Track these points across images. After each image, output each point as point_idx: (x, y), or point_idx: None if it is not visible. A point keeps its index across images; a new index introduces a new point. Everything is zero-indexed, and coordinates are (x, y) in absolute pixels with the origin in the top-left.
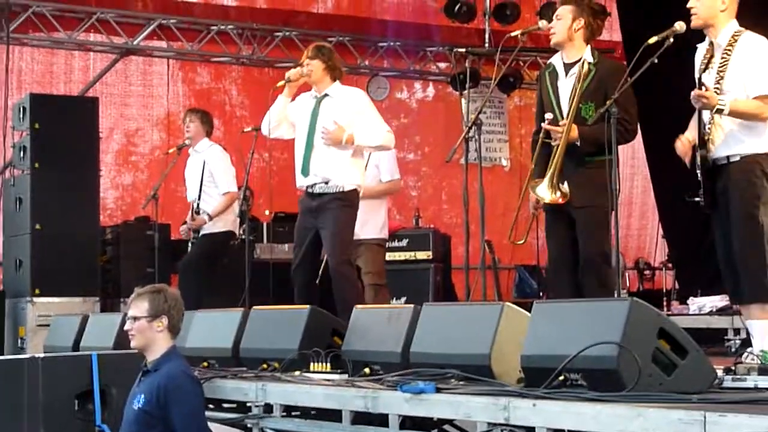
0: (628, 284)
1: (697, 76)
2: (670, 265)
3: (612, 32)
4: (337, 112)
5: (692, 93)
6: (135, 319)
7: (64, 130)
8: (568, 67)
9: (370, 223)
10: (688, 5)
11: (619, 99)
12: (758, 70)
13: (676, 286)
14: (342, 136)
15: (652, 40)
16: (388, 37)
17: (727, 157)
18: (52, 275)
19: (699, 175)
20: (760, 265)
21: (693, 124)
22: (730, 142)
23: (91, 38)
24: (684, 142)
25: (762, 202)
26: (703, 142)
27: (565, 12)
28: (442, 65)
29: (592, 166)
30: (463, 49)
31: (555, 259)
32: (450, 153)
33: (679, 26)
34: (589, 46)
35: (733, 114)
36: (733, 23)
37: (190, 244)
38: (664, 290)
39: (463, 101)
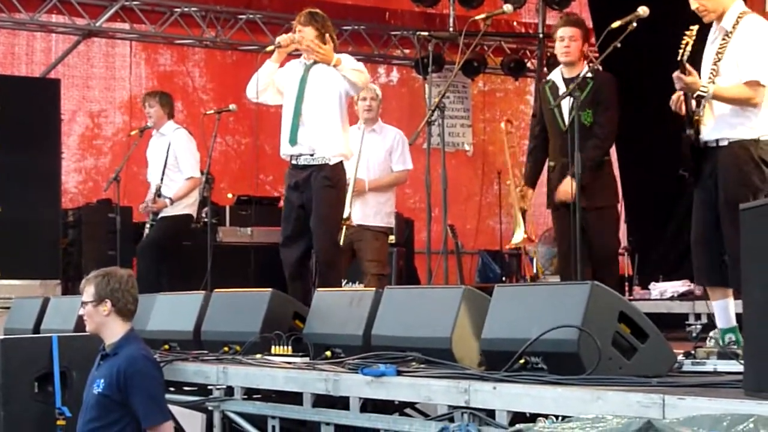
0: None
1: (679, 58)
2: (630, 249)
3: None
4: (327, 79)
5: (674, 74)
6: (83, 304)
7: (26, 111)
8: (567, 82)
9: (380, 211)
10: (693, 8)
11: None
12: (753, 54)
13: (635, 272)
14: (332, 57)
15: (615, 24)
16: (351, 20)
17: (717, 141)
18: (13, 258)
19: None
20: None
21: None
22: (720, 125)
23: (53, 19)
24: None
25: (751, 190)
26: (691, 122)
27: (577, 35)
28: (407, 50)
29: (601, 167)
30: (426, 33)
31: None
32: (413, 136)
33: (642, 11)
34: (585, 61)
35: (717, 99)
36: (739, 4)
37: (147, 227)
38: (626, 275)
39: (427, 86)
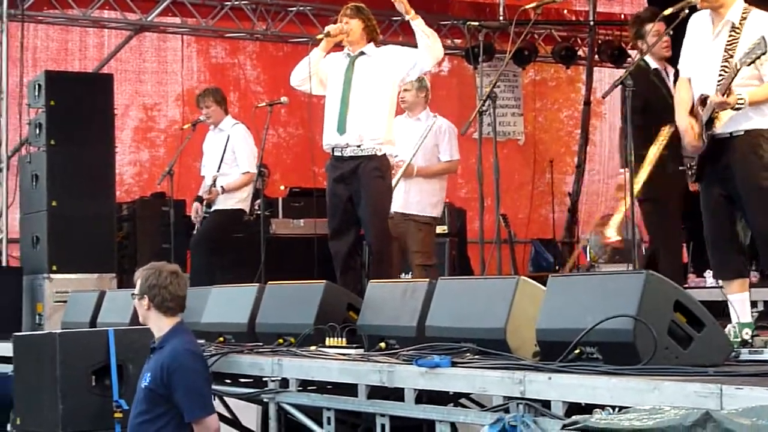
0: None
1: (713, 73)
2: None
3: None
4: (375, 70)
5: (712, 100)
6: (132, 296)
7: (80, 107)
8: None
9: (423, 200)
10: None
11: None
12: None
13: (690, 259)
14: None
15: (668, 11)
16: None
17: (730, 133)
18: (69, 252)
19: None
20: None
21: (682, 94)
22: (738, 119)
23: (105, 15)
24: (690, 129)
25: None
26: (710, 121)
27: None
28: (457, 40)
29: None
30: (477, 23)
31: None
32: (465, 126)
33: None
34: None
35: (752, 104)
36: (741, 0)
37: (199, 220)
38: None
39: (478, 75)
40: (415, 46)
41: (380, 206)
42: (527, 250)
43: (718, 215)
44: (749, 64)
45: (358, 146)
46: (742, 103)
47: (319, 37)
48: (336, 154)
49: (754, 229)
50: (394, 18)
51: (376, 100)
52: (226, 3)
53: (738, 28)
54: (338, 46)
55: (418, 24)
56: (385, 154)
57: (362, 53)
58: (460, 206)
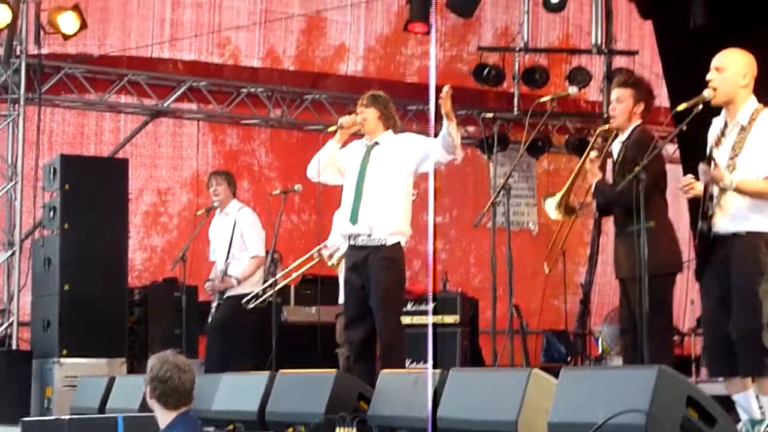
0: None
1: (708, 150)
2: (699, 330)
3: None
4: (388, 159)
5: (700, 167)
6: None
7: (94, 191)
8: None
9: None
10: (708, 77)
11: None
12: None
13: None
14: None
15: (681, 107)
16: (416, 100)
17: (733, 233)
18: (80, 336)
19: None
20: (758, 341)
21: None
22: (735, 216)
23: (122, 100)
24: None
25: (764, 279)
26: (705, 214)
27: (626, 95)
28: (471, 128)
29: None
30: (491, 114)
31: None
32: (478, 217)
33: (707, 94)
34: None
35: (739, 191)
36: (753, 100)
37: (213, 306)
38: (693, 356)
39: (491, 165)
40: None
41: (388, 297)
42: (539, 341)
43: (715, 316)
44: None
45: (369, 236)
46: (728, 185)
47: (332, 129)
48: (350, 242)
49: (735, 329)
50: (410, 107)
51: (388, 190)
52: (242, 89)
53: (746, 128)
54: (358, 135)
55: (452, 128)
56: (397, 243)
57: (377, 143)
58: (473, 295)
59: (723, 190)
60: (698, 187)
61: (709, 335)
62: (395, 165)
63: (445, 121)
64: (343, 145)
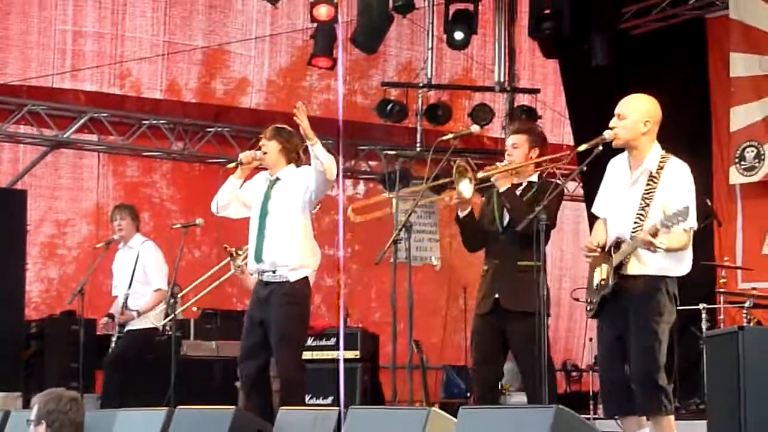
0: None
1: (629, 214)
2: (597, 367)
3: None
4: (288, 195)
5: (641, 238)
6: (28, 422)
7: None
8: (515, 186)
9: None
10: (611, 124)
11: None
12: (685, 203)
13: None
14: (311, 134)
15: (582, 148)
16: (319, 133)
17: (634, 275)
18: None
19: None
20: (654, 380)
21: (597, 232)
22: (646, 263)
23: (21, 130)
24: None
25: (663, 319)
26: (621, 265)
27: (521, 141)
28: (373, 163)
29: (525, 270)
30: (394, 152)
31: (481, 360)
32: (379, 255)
33: (608, 135)
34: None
35: (669, 251)
36: (657, 147)
37: (113, 339)
38: (591, 392)
39: (394, 201)
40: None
41: (288, 332)
42: (439, 376)
43: (611, 355)
44: (669, 227)
45: (273, 272)
46: (662, 248)
47: (231, 165)
48: (259, 277)
49: (632, 368)
50: (361, 147)
51: (287, 226)
52: (143, 122)
53: (655, 177)
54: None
55: (316, 148)
56: (301, 280)
57: (278, 178)
58: (374, 331)
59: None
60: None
61: (605, 374)
62: (294, 200)
63: (307, 143)
64: (249, 177)
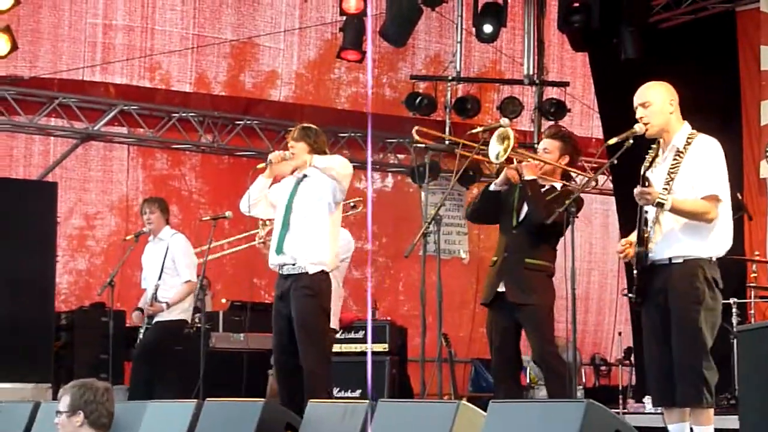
0: (584, 380)
1: (642, 173)
2: (626, 361)
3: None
4: (314, 192)
5: (635, 190)
6: (58, 413)
7: (22, 213)
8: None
9: None
10: (637, 115)
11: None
12: (707, 171)
13: (633, 383)
14: (303, 160)
15: (612, 141)
16: (348, 127)
17: (669, 259)
18: (5, 360)
19: (635, 272)
20: (697, 371)
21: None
22: (671, 241)
23: (52, 123)
24: (628, 250)
25: (703, 308)
26: (642, 240)
27: (553, 147)
28: (401, 156)
29: (532, 268)
30: (423, 145)
31: (498, 348)
32: (408, 249)
33: (639, 128)
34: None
35: (675, 210)
36: (686, 125)
37: (141, 331)
38: (620, 387)
39: (423, 194)
40: (363, 162)
41: (309, 325)
42: (467, 370)
43: (657, 343)
44: None
45: (293, 264)
46: (664, 200)
47: (261, 166)
48: (279, 272)
49: (676, 359)
50: (341, 134)
51: (313, 221)
52: (173, 114)
53: (681, 152)
54: None
55: (315, 163)
56: (319, 273)
57: (306, 176)
58: (402, 324)
59: (658, 206)
60: (632, 252)
61: (651, 365)
62: (319, 196)
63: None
64: (276, 180)
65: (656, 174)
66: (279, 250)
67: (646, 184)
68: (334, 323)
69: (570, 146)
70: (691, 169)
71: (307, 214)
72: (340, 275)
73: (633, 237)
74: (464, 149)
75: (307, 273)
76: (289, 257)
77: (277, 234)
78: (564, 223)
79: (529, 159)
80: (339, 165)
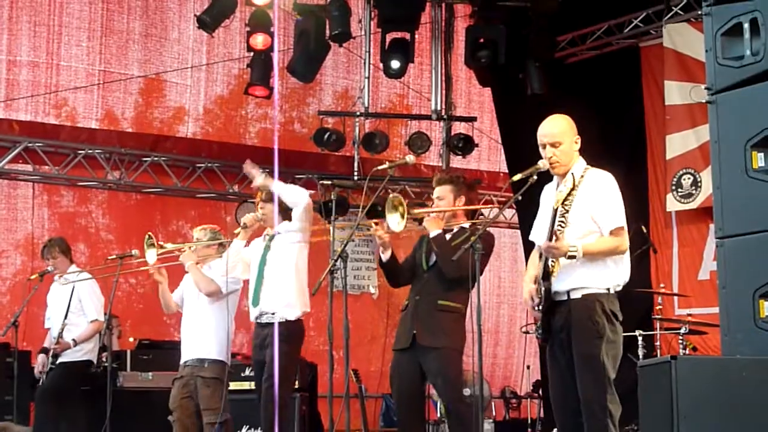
0: (494, 413)
1: (550, 224)
2: (535, 394)
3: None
4: (284, 246)
5: (542, 245)
6: None
7: None
8: (446, 231)
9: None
10: (546, 155)
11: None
12: (609, 205)
13: (542, 415)
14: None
15: (516, 177)
16: (257, 162)
17: (568, 293)
18: None
19: (538, 308)
20: (602, 405)
21: (533, 259)
22: (570, 272)
23: None
24: (531, 291)
25: (604, 341)
26: (547, 274)
27: (445, 192)
28: (310, 192)
29: (444, 309)
30: (329, 182)
31: (404, 393)
32: (315, 286)
33: (542, 164)
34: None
35: (588, 255)
36: (581, 160)
37: (45, 371)
38: (529, 420)
39: (331, 230)
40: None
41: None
42: (378, 405)
43: (562, 379)
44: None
45: (272, 314)
46: (575, 252)
47: (237, 231)
48: (256, 321)
49: (581, 394)
50: (298, 176)
51: (285, 272)
52: (79, 151)
53: (576, 185)
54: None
55: (275, 189)
56: (298, 320)
57: (278, 232)
58: (312, 360)
59: (569, 258)
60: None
61: (557, 401)
62: (288, 246)
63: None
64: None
65: (551, 206)
66: (255, 302)
67: (553, 238)
68: (226, 357)
69: (462, 186)
70: (587, 202)
71: (279, 265)
72: (232, 306)
73: (532, 271)
74: (373, 183)
75: (287, 320)
76: (267, 308)
77: (252, 287)
78: (474, 265)
79: (428, 212)
80: (296, 195)
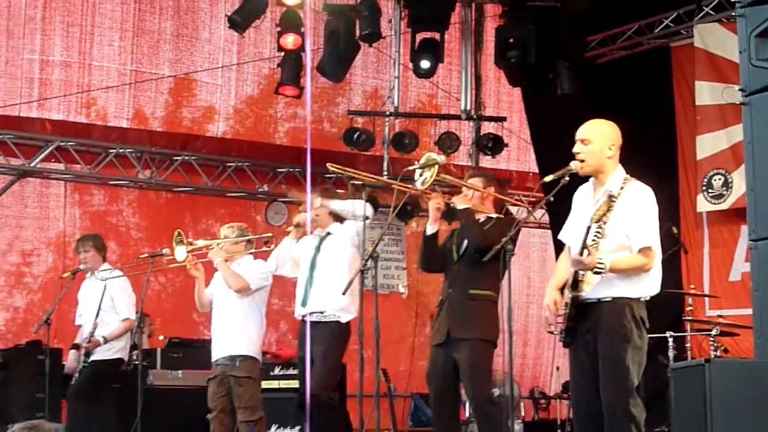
0: (523, 413)
1: (582, 239)
2: (564, 395)
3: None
4: (337, 247)
5: (572, 257)
6: None
7: None
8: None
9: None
10: (574, 150)
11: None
12: (642, 222)
13: (571, 416)
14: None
15: (548, 178)
16: (288, 163)
17: (598, 299)
18: None
19: (564, 311)
20: (625, 409)
21: (562, 262)
22: (605, 286)
23: None
24: (555, 299)
25: (630, 346)
26: (576, 283)
27: (475, 182)
28: (340, 192)
29: (476, 298)
30: (360, 182)
31: (438, 393)
32: (346, 286)
33: (574, 165)
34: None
35: (614, 272)
36: (621, 170)
37: (78, 369)
38: (558, 420)
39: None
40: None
41: (330, 362)
42: (407, 404)
43: (586, 382)
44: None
45: (321, 313)
46: (602, 267)
47: (290, 229)
48: (303, 319)
49: (604, 398)
50: (279, 169)
51: (336, 275)
52: (110, 150)
53: (614, 197)
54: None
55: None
56: (348, 323)
57: (329, 233)
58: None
59: (596, 273)
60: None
61: (579, 403)
62: (343, 250)
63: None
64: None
65: (584, 214)
66: (304, 303)
67: (585, 252)
68: (257, 354)
69: (492, 180)
70: (623, 216)
71: (331, 268)
72: (261, 302)
73: (560, 275)
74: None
75: (338, 321)
76: (317, 309)
77: (302, 288)
78: (504, 266)
79: (461, 184)
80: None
